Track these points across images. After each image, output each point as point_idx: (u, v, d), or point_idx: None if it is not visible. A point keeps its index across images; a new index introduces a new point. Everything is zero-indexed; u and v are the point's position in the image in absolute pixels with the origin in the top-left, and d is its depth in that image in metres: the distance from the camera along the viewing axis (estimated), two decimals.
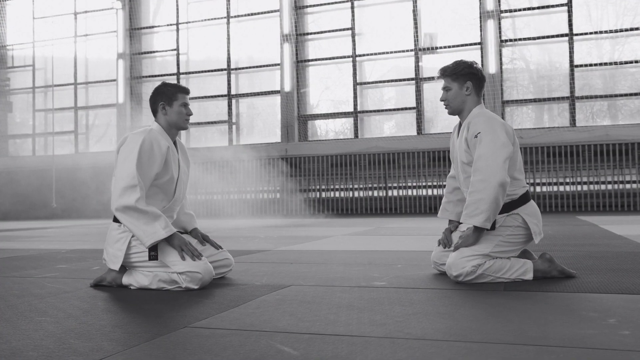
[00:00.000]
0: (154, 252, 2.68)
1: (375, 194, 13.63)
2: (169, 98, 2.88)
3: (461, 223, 2.92)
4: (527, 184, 3.08)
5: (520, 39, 13.27)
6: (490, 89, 12.88)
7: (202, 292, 2.60)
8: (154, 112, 2.92)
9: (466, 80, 2.87)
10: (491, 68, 12.97)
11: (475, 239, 2.72)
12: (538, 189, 12.57)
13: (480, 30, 13.21)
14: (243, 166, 14.37)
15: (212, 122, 15.29)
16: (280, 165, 14.02)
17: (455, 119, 3.00)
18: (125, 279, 2.77)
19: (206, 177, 13.97)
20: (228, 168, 14.39)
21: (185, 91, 2.93)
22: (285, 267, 3.53)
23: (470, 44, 13.40)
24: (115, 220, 2.81)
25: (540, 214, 2.86)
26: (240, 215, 13.48)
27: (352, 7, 14.21)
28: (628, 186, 12.19)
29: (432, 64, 13.88)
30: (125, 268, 2.86)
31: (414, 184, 13.34)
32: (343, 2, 14.28)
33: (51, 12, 16.86)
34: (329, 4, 14.45)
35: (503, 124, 2.78)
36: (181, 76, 15.57)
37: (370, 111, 14.20)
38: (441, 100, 2.95)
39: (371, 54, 14.11)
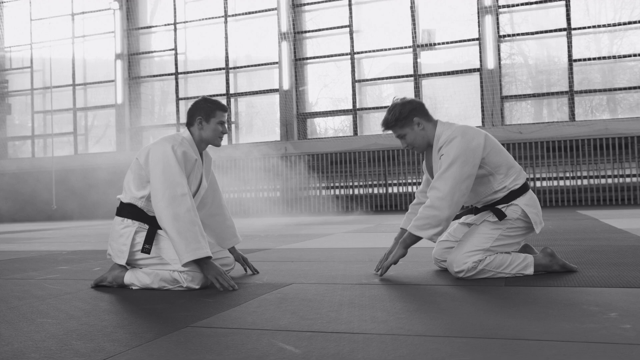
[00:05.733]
0: (148, 245, 2.69)
1: (376, 191, 13.64)
2: (207, 114, 2.87)
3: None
4: (527, 179, 3.07)
5: (518, 34, 13.26)
6: (489, 84, 12.87)
7: (203, 292, 2.60)
8: (190, 124, 2.92)
9: (412, 118, 2.83)
10: (490, 63, 12.96)
11: (404, 249, 2.74)
12: (538, 183, 12.57)
13: (479, 26, 13.19)
14: (246, 165, 14.36)
15: None
16: (288, 162, 14.01)
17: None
18: (127, 278, 2.77)
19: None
20: (232, 167, 14.38)
21: (224, 109, 2.93)
22: (286, 266, 3.53)
23: (469, 40, 13.39)
24: (119, 213, 2.81)
25: (539, 204, 2.86)
26: (240, 214, 13.47)
27: (350, 5, 14.19)
28: (628, 180, 12.20)
29: (431, 61, 13.87)
30: (126, 267, 2.86)
31: (414, 181, 13.35)
32: None
33: (48, 13, 16.84)
34: (326, 1, 14.43)
35: (473, 137, 2.71)
36: (179, 76, 15.56)
37: (369, 108, 14.19)
38: (404, 147, 2.89)
39: (369, 51, 14.09)
